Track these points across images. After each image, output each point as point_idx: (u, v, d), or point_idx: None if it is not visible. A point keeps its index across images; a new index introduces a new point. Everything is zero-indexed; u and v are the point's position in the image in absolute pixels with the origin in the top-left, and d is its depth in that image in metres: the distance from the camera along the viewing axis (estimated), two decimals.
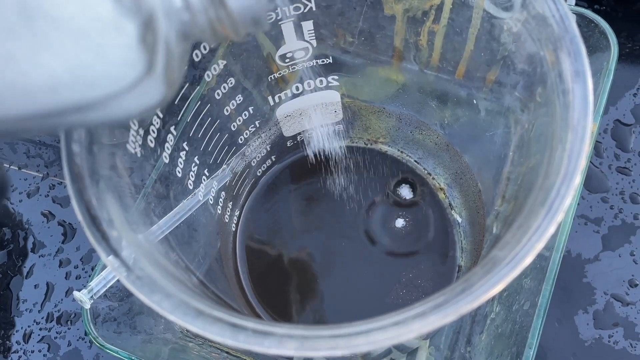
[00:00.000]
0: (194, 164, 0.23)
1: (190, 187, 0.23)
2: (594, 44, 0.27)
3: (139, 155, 0.18)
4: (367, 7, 0.28)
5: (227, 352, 0.29)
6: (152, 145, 0.19)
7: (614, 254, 0.30)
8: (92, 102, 0.11)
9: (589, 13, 0.27)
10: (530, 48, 0.16)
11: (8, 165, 0.35)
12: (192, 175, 0.23)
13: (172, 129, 0.21)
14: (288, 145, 0.31)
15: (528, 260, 0.12)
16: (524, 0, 0.15)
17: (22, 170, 0.35)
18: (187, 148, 0.22)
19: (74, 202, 0.14)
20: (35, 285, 0.32)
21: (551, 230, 0.12)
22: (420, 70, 0.30)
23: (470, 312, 0.12)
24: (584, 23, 0.27)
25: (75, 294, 0.23)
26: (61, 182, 0.35)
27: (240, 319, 0.13)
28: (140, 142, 0.18)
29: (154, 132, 0.19)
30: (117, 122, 0.17)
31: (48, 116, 0.11)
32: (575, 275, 0.30)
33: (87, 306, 0.24)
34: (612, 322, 0.29)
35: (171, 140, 0.21)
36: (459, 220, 0.30)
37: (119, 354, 0.24)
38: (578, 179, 0.12)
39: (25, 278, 0.32)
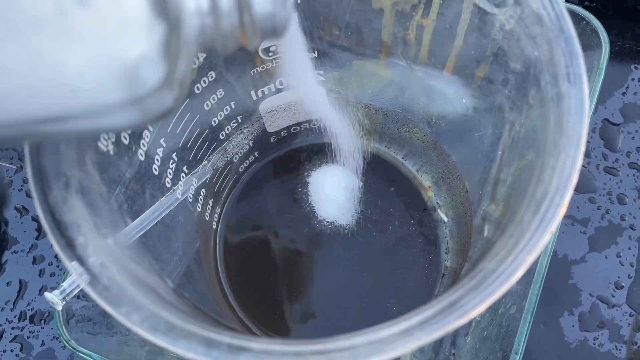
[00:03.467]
0: (171, 161, 0.22)
1: (168, 185, 0.22)
2: (585, 42, 0.27)
3: (111, 153, 0.17)
4: (355, 1, 0.27)
5: None
6: (126, 142, 0.18)
7: (601, 255, 0.29)
8: (107, 108, 0.11)
9: (580, 10, 0.26)
10: (524, 47, 0.15)
11: None
12: (169, 173, 0.22)
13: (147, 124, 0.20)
14: (272, 140, 0.30)
15: (519, 273, 0.12)
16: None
17: None
18: (164, 144, 0.21)
19: (37, 205, 0.13)
20: (7, 283, 0.31)
21: (544, 241, 0.12)
22: (409, 65, 0.29)
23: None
24: (575, 20, 0.27)
25: (47, 295, 0.22)
26: None
27: (215, 333, 0.12)
28: (113, 140, 0.17)
29: None
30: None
31: (60, 120, 0.10)
32: (562, 276, 0.29)
33: (59, 308, 0.23)
34: (597, 324, 0.28)
35: (147, 137, 0.20)
36: (445, 219, 0.29)
37: (92, 358, 0.23)
38: (572, 189, 0.12)
39: None
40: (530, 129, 0.18)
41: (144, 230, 0.19)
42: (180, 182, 0.23)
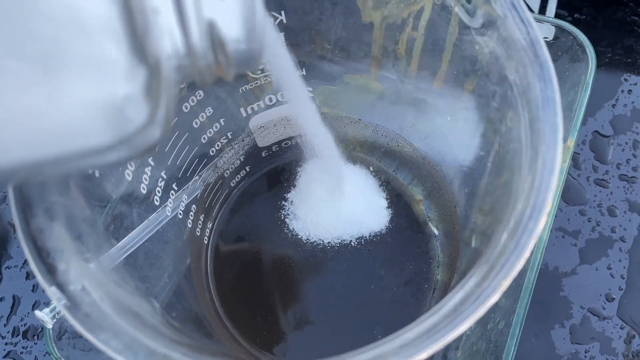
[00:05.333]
0: (160, 179, 0.23)
1: (157, 203, 0.23)
2: (573, 56, 0.27)
3: (97, 175, 0.17)
4: (345, 15, 0.27)
5: None
6: None
7: (591, 268, 0.30)
8: (96, 150, 0.11)
9: (567, 26, 0.26)
10: (501, 70, 0.16)
11: None
12: (158, 191, 0.22)
13: None
14: (263, 155, 0.30)
15: (495, 298, 0.12)
16: (492, 20, 0.15)
17: None
18: (152, 163, 0.22)
19: (19, 232, 0.13)
20: (0, 299, 0.31)
21: (518, 267, 0.12)
22: (399, 79, 0.29)
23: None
24: (563, 34, 0.27)
25: (37, 313, 0.22)
26: None
27: (196, 357, 0.12)
28: None
29: None
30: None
31: (50, 165, 0.11)
32: (552, 288, 0.29)
33: (49, 326, 0.23)
34: (588, 336, 0.28)
35: None
36: (436, 233, 0.29)
37: None
38: (546, 215, 0.12)
39: None
40: (509, 149, 0.18)
41: (130, 251, 0.19)
42: (169, 199, 0.24)
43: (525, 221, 0.12)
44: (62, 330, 0.25)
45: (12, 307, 0.31)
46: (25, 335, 0.30)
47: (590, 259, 0.30)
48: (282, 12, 0.21)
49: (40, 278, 0.13)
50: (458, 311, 0.12)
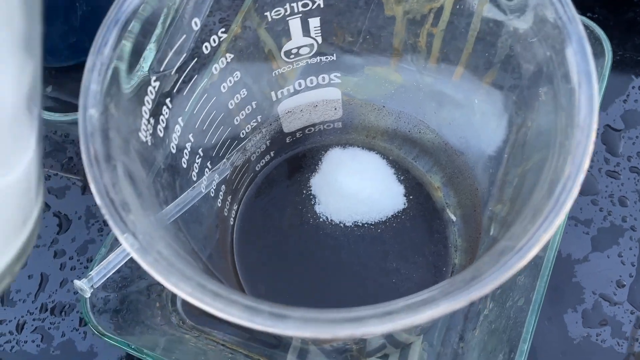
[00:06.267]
0: (197, 156, 0.24)
1: (194, 179, 0.24)
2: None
3: (149, 143, 0.18)
4: (371, 7, 0.28)
5: (222, 345, 0.29)
6: (161, 134, 0.19)
7: (603, 255, 0.31)
8: None
9: (585, 20, 0.27)
10: (537, 49, 0.17)
11: None
12: (195, 167, 0.24)
13: (179, 119, 0.21)
14: (287, 141, 0.31)
15: (535, 250, 0.13)
16: (532, 4, 0.16)
17: None
18: (192, 139, 0.23)
19: (92, 186, 0.14)
20: (29, 276, 0.32)
21: (558, 220, 0.13)
22: (418, 71, 0.30)
23: (478, 299, 0.13)
24: None
25: (76, 282, 0.23)
26: (57, 174, 0.35)
27: (256, 302, 0.13)
28: (151, 131, 0.18)
29: (163, 121, 0.20)
30: None
31: None
32: (565, 275, 0.30)
33: (87, 295, 0.24)
34: (600, 321, 0.29)
35: (178, 131, 0.21)
36: (454, 219, 0.30)
37: (118, 343, 0.24)
38: (584, 173, 0.13)
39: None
40: (538, 127, 0.19)
41: (178, 215, 0.20)
42: (204, 177, 0.25)
43: (565, 180, 0.13)
44: (92, 305, 0.26)
45: (40, 284, 0.32)
46: (52, 311, 0.31)
47: (602, 247, 0.31)
48: None
49: (114, 226, 0.14)
50: (500, 262, 0.13)
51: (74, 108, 0.36)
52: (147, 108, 0.18)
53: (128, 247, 0.13)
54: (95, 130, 0.15)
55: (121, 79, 0.16)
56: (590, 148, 0.13)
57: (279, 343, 0.30)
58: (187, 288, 0.13)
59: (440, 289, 0.13)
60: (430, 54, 0.29)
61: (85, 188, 0.34)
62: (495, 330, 0.26)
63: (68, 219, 0.33)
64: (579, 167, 0.13)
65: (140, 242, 0.14)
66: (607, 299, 0.30)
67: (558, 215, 0.13)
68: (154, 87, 0.18)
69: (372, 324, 0.12)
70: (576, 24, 0.15)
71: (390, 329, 0.12)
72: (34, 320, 0.31)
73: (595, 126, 0.14)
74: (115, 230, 0.14)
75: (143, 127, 0.18)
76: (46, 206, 0.34)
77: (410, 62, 0.30)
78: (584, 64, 0.14)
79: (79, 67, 0.36)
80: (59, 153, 0.35)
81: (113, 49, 0.16)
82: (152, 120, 0.18)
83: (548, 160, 0.15)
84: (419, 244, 0.30)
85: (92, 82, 0.15)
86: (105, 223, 0.33)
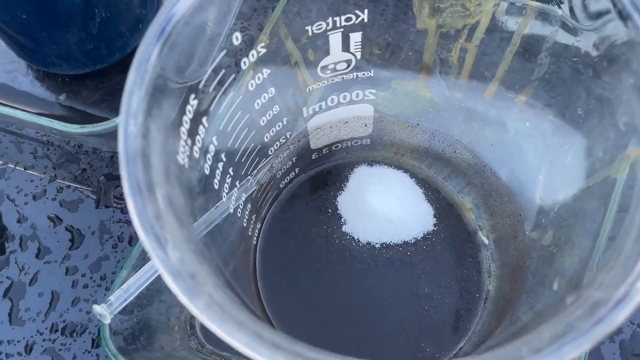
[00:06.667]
0: (228, 176, 0.22)
1: (224, 199, 0.22)
2: None
3: (186, 166, 0.17)
4: (397, 21, 0.27)
5: None
6: (197, 156, 0.18)
7: None
8: None
9: None
10: (616, 63, 0.15)
11: (13, 166, 0.34)
12: (226, 187, 0.22)
13: (214, 139, 0.20)
14: (313, 157, 0.30)
15: (636, 301, 0.11)
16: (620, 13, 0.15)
17: (28, 171, 0.34)
18: (224, 159, 0.21)
19: (136, 221, 0.13)
20: (39, 294, 0.31)
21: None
22: (448, 87, 0.29)
23: None
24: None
25: (95, 307, 0.22)
26: (69, 186, 0.33)
27: (319, 353, 0.12)
28: (188, 153, 0.17)
29: (199, 142, 0.18)
30: None
31: None
32: None
33: (107, 321, 0.22)
34: (639, 352, 0.28)
35: (212, 151, 0.20)
36: (487, 242, 0.29)
37: None
38: None
39: (29, 285, 0.31)
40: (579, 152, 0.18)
41: (205, 232, 0.18)
42: (233, 196, 0.23)
43: None
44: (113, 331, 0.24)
45: (50, 303, 0.30)
46: (63, 331, 0.30)
47: None
48: (365, 11, 0.21)
49: (161, 266, 0.12)
50: (596, 315, 0.11)
51: (87, 117, 0.35)
52: (185, 128, 0.17)
53: (178, 292, 0.12)
54: (137, 155, 0.13)
55: (164, 98, 0.15)
56: None
57: None
58: (243, 338, 0.12)
59: (524, 345, 0.12)
60: (462, 69, 0.28)
61: (99, 202, 0.33)
62: None
63: (81, 234, 0.32)
64: None
65: (188, 285, 0.12)
66: None
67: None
68: (192, 106, 0.17)
69: None
70: None
71: None
72: (43, 341, 0.29)
73: None
74: (164, 273, 0.12)
75: (181, 149, 0.16)
76: (58, 220, 0.32)
77: (439, 77, 0.29)
78: None
79: (94, 75, 0.35)
80: (71, 164, 0.34)
81: (155, 63, 0.15)
82: (189, 141, 0.17)
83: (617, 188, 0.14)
84: (450, 268, 0.28)
85: (133, 101, 0.14)
86: (119, 238, 0.32)
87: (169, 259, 0.12)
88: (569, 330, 0.11)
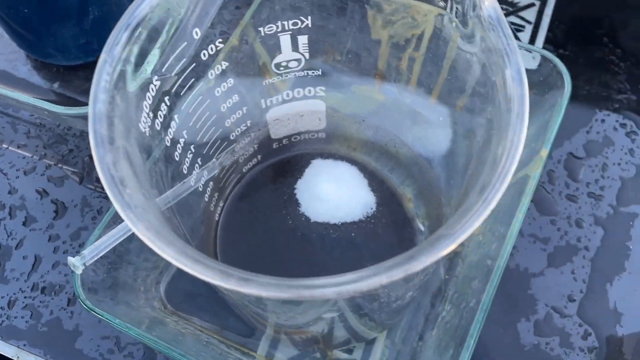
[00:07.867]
0: (189, 152, 0.26)
1: (185, 172, 0.26)
2: (552, 82, 0.31)
3: (147, 134, 0.21)
4: (356, 30, 0.31)
5: (200, 330, 0.31)
6: (158, 128, 0.22)
7: (557, 271, 0.33)
8: None
9: (548, 54, 0.30)
10: (488, 75, 0.19)
11: (7, 145, 0.38)
12: (187, 161, 0.26)
13: (175, 116, 0.24)
14: (274, 147, 0.34)
15: (464, 236, 0.15)
16: (482, 35, 0.19)
17: (21, 150, 0.37)
18: (185, 136, 0.25)
19: (97, 163, 0.16)
20: (23, 257, 0.34)
21: (485, 215, 0.15)
22: (399, 92, 0.33)
23: (414, 273, 0.15)
24: (545, 63, 0.31)
25: (70, 259, 0.25)
26: (57, 164, 0.37)
27: (228, 269, 0.16)
28: (149, 124, 0.21)
29: (160, 116, 0.22)
30: None
31: None
32: (521, 287, 0.33)
33: (79, 271, 0.26)
34: (550, 331, 0.32)
35: (173, 127, 0.24)
36: (422, 229, 0.33)
37: (106, 317, 0.26)
38: (506, 182, 0.16)
39: (15, 249, 0.34)
40: (485, 144, 0.22)
41: (170, 204, 0.22)
42: (194, 172, 0.27)
43: (493, 183, 0.16)
44: (81, 283, 0.28)
45: (33, 265, 0.34)
46: (43, 290, 0.33)
47: (556, 264, 0.33)
48: (309, 17, 0.25)
49: (113, 197, 0.16)
50: (435, 245, 0.15)
51: (78, 103, 0.39)
52: (147, 103, 0.20)
53: (122, 214, 0.16)
54: (102, 116, 0.17)
55: (127, 76, 0.19)
56: (517, 155, 0.16)
57: (253, 333, 0.32)
58: (171, 252, 0.15)
59: (384, 264, 0.15)
60: (411, 76, 0.32)
61: (82, 179, 0.37)
62: (449, 329, 0.28)
63: (64, 206, 0.36)
64: (507, 171, 0.16)
65: (134, 212, 0.16)
66: (558, 311, 0.32)
67: (486, 210, 0.16)
68: (155, 86, 0.21)
69: (320, 288, 0.15)
70: (516, 54, 0.17)
71: (335, 295, 0.15)
72: (25, 298, 0.33)
73: (523, 138, 0.16)
74: (114, 201, 0.16)
75: (143, 119, 0.20)
76: (45, 193, 0.36)
77: (392, 83, 0.33)
78: (520, 88, 0.17)
79: (86, 67, 0.39)
80: (60, 145, 0.38)
81: (122, 49, 0.19)
82: (151, 115, 0.21)
83: (487, 163, 0.18)
84: (388, 249, 0.32)
85: (103, 75, 0.18)
86: (99, 212, 0.35)
87: (121, 195, 0.16)
88: (414, 254, 0.15)
